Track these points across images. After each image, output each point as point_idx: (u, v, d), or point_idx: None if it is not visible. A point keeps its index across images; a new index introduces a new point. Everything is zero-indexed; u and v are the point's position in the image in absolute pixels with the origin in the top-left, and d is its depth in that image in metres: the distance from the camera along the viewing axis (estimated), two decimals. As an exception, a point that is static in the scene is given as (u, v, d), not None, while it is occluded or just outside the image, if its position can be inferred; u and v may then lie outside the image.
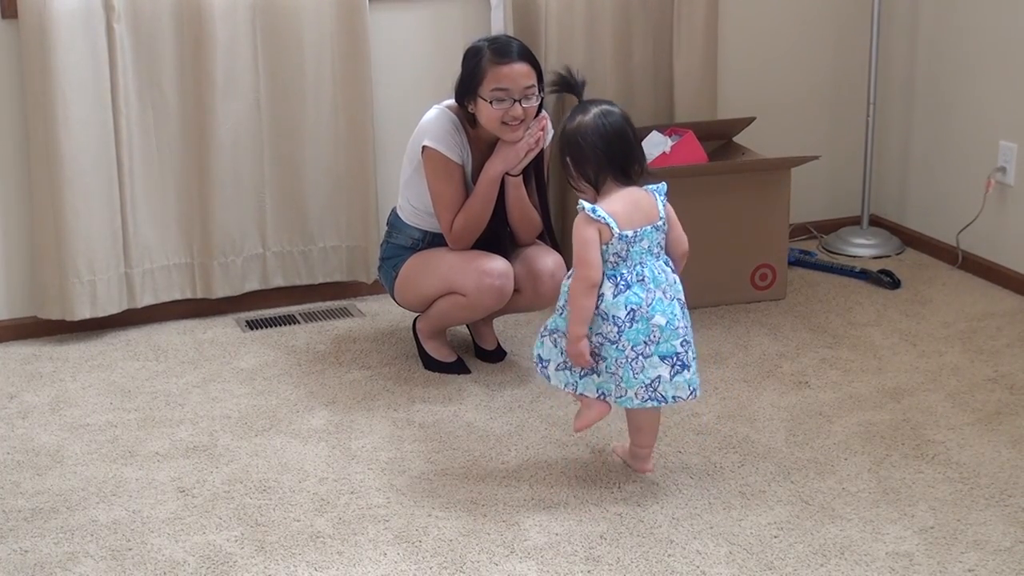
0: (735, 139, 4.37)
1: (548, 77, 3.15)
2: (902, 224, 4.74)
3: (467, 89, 3.37)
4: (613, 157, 2.85)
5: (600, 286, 2.83)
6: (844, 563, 2.65)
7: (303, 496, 2.96)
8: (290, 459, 3.14)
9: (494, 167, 3.41)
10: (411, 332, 3.76)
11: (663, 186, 2.92)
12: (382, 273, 3.70)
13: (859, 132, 4.65)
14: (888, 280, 4.28)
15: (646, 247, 2.86)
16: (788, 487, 2.97)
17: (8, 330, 3.94)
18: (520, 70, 3.32)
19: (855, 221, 4.76)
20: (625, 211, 2.83)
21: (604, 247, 2.82)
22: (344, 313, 4.14)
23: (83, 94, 3.73)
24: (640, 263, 2.85)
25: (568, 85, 3.05)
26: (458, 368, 3.64)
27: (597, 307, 2.83)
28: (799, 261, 4.46)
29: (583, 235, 2.81)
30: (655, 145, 4.10)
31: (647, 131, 4.17)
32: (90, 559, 2.72)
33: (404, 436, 3.26)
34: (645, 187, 2.90)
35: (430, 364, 3.66)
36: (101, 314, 3.90)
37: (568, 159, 2.90)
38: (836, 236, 4.71)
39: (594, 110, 2.88)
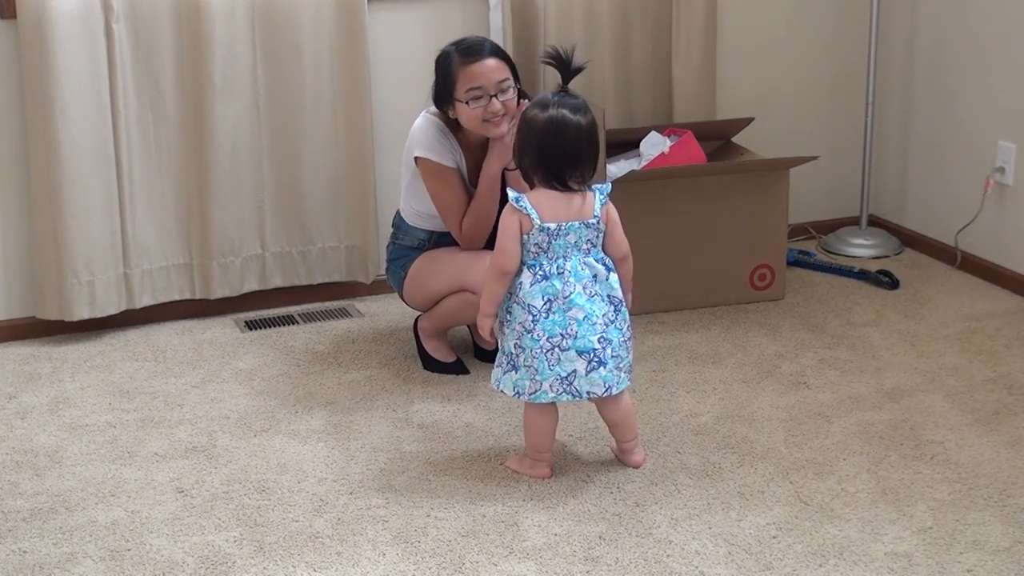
0: (734, 139, 4.36)
1: (546, 49, 3.06)
2: (901, 224, 4.74)
3: (443, 94, 3.39)
4: (545, 163, 2.87)
5: (519, 275, 2.90)
6: (843, 563, 2.65)
7: (302, 496, 2.96)
8: (289, 459, 3.14)
9: (491, 165, 3.42)
10: (411, 332, 3.76)
11: (607, 186, 2.95)
12: (390, 274, 3.70)
13: (858, 132, 4.65)
14: (887, 280, 4.28)
15: (572, 242, 2.89)
16: (787, 487, 2.97)
17: (7, 330, 3.93)
18: (490, 65, 3.33)
19: (854, 221, 4.76)
20: (550, 204, 2.87)
21: (525, 237, 2.87)
22: (343, 313, 4.14)
23: (82, 94, 3.73)
24: (564, 256, 2.89)
25: (558, 62, 2.96)
26: (457, 368, 3.64)
27: (515, 295, 2.90)
28: (798, 261, 4.46)
29: (504, 222, 2.89)
30: (654, 145, 4.10)
31: (646, 131, 4.17)
32: (89, 559, 2.71)
33: (403, 436, 3.26)
34: (590, 189, 2.93)
35: (429, 364, 3.66)
36: (100, 314, 3.90)
37: (516, 140, 2.94)
38: (835, 236, 4.71)
39: (552, 111, 2.86)
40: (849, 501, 2.90)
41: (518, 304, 2.90)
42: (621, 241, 2.97)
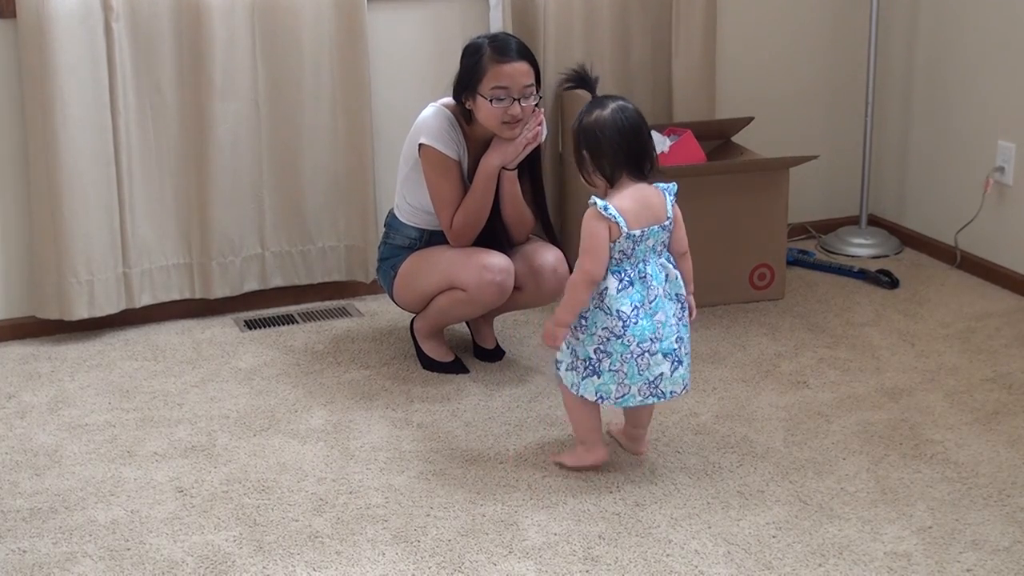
0: (733, 139, 4.36)
1: (562, 74, 3.13)
2: (900, 224, 4.74)
3: (466, 86, 3.37)
4: (630, 153, 2.88)
5: (603, 281, 2.87)
6: (842, 563, 2.65)
7: (301, 496, 2.96)
8: (288, 459, 3.14)
9: (491, 161, 3.41)
10: (408, 333, 3.76)
11: (674, 186, 2.96)
12: (381, 274, 3.70)
13: (858, 132, 4.65)
14: (886, 280, 4.28)
15: (651, 245, 2.90)
16: (786, 487, 2.97)
17: (6, 330, 3.93)
18: (520, 69, 3.32)
19: (853, 221, 4.76)
20: (634, 209, 2.86)
21: (612, 244, 2.86)
22: (342, 313, 4.14)
23: (81, 94, 3.73)
24: (643, 261, 2.89)
25: (583, 81, 3.04)
26: (456, 368, 3.64)
27: (601, 302, 2.88)
28: (797, 261, 4.46)
29: (593, 230, 2.85)
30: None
31: (645, 131, 4.17)
32: (88, 559, 2.71)
33: (402, 436, 3.26)
34: (656, 185, 2.93)
35: (428, 364, 3.66)
36: (99, 314, 3.90)
37: (586, 152, 2.92)
38: (834, 236, 4.71)
39: (612, 105, 2.90)
40: (849, 500, 2.90)
41: (602, 311, 2.88)
42: (684, 238, 3.00)
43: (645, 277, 2.88)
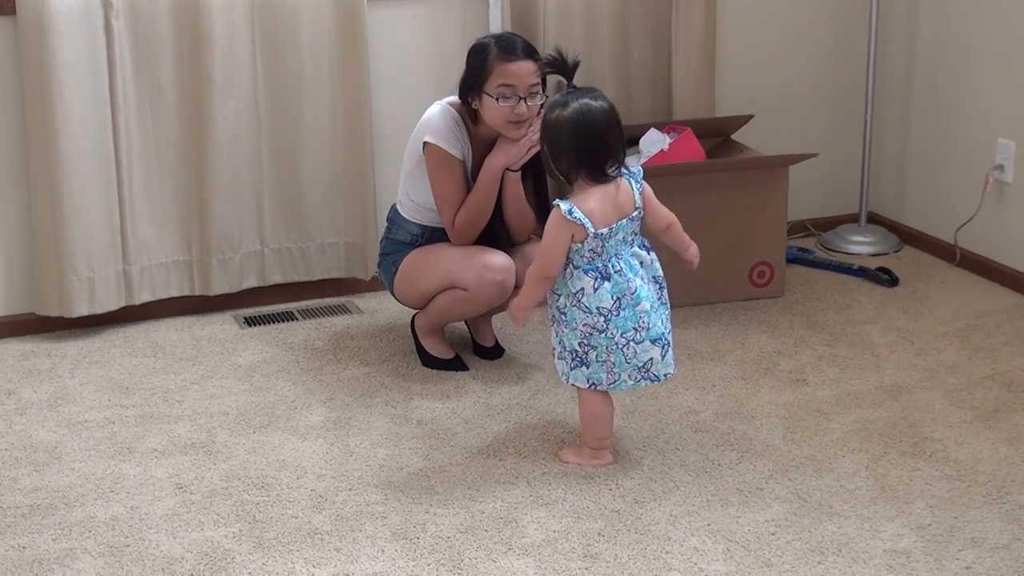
0: (733, 137, 4.37)
1: (547, 54, 3.14)
2: (900, 222, 4.74)
3: (472, 85, 3.37)
4: (585, 157, 2.88)
5: (577, 281, 2.89)
6: (841, 560, 2.66)
7: (301, 493, 2.97)
8: (288, 456, 3.15)
9: (495, 162, 3.41)
10: (409, 329, 3.77)
11: (639, 171, 2.97)
12: (382, 269, 3.70)
13: (857, 129, 4.65)
14: (886, 278, 4.28)
15: (620, 239, 2.92)
16: (786, 484, 2.97)
17: (6, 326, 3.94)
18: (526, 68, 3.32)
19: (853, 219, 4.76)
20: (600, 208, 2.88)
21: (580, 245, 2.88)
22: (342, 310, 4.14)
23: (81, 91, 3.73)
24: (615, 255, 2.91)
25: (559, 66, 3.04)
26: (456, 365, 3.64)
27: (578, 302, 2.90)
28: (797, 259, 4.46)
29: (554, 233, 2.88)
30: (653, 143, 4.10)
31: (645, 128, 4.17)
32: (88, 555, 2.72)
33: (402, 433, 3.26)
34: (621, 175, 2.94)
35: (428, 361, 3.66)
36: (99, 311, 3.90)
37: (546, 148, 2.95)
38: (834, 234, 4.71)
39: (574, 104, 2.88)
40: (848, 498, 2.90)
41: (580, 309, 2.90)
42: (662, 214, 3.02)
43: (620, 271, 2.90)
